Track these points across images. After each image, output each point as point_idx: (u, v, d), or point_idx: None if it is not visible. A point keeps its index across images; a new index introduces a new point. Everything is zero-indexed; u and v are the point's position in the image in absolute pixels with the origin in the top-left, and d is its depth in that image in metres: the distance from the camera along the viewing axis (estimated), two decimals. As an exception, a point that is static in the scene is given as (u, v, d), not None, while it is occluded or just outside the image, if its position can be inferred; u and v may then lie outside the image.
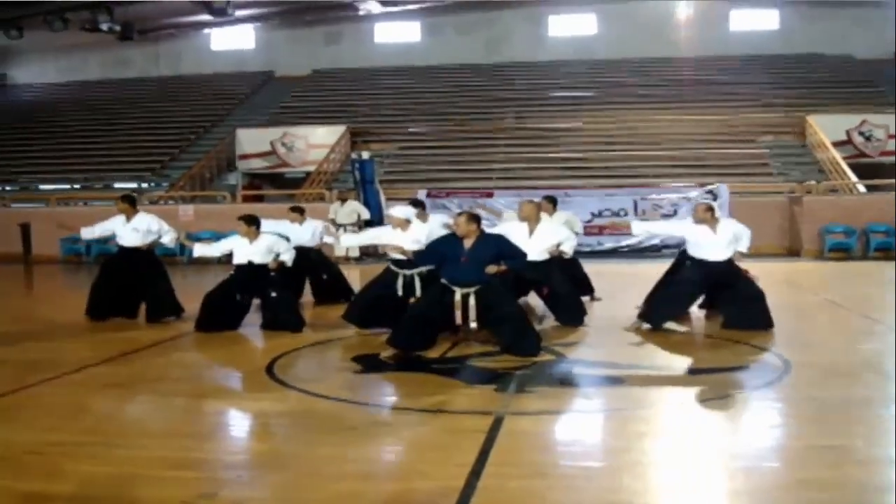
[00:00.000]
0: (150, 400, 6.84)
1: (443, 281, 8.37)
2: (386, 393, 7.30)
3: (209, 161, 28.73)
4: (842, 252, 20.24)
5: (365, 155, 22.22)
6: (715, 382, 7.22)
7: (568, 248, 10.53)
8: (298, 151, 28.82)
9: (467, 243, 8.34)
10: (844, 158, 24.19)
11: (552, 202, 12.04)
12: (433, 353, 8.31)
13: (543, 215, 10.89)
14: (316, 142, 28.63)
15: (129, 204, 11.25)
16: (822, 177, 23.61)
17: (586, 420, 6.27)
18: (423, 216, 11.41)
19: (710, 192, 20.61)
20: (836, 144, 25.06)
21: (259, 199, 27.34)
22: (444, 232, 9.99)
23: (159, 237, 11.30)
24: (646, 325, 9.76)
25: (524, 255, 8.75)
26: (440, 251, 8.53)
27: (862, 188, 22.40)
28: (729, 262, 9.82)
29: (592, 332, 9.96)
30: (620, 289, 13.25)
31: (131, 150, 29.88)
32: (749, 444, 5.49)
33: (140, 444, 5.49)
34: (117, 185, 27.41)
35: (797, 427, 5.90)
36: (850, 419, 5.97)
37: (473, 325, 8.46)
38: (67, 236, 22.24)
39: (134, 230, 11.08)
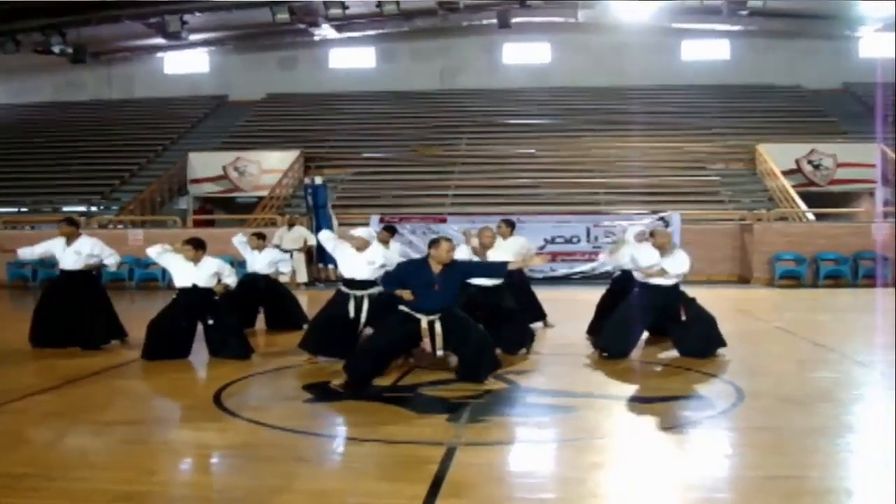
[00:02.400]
0: (92, 430, 6.63)
1: (403, 309, 8.22)
2: (336, 423, 7.14)
3: (160, 185, 28.42)
4: (792, 280, 20.42)
5: (318, 180, 22.03)
6: (668, 411, 7.19)
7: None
8: (251, 176, 28.60)
9: (436, 269, 8.20)
10: (794, 187, 24.48)
11: (510, 226, 11.98)
12: (385, 381, 8.20)
13: (498, 239, 10.84)
14: (269, 166, 28.44)
15: (72, 227, 11.02)
16: (772, 205, 23.88)
17: (540, 450, 6.17)
18: (385, 240, 11.37)
19: (661, 219, 20.70)
20: (786, 173, 25.38)
21: (210, 223, 27.07)
22: (400, 259, 9.94)
23: (101, 261, 11.06)
24: (604, 355, 9.71)
25: (496, 265, 8.78)
26: (408, 278, 8.34)
27: (811, 216, 22.67)
28: (676, 287, 9.82)
29: (545, 360, 9.91)
30: (573, 315, 13.18)
31: (81, 173, 29.52)
32: (704, 475, 5.43)
33: (81, 476, 5.32)
34: (66, 209, 26.99)
35: (752, 457, 5.85)
36: (804, 449, 5.95)
37: (440, 352, 8.30)
38: (13, 261, 21.85)
39: (76, 253, 10.84)
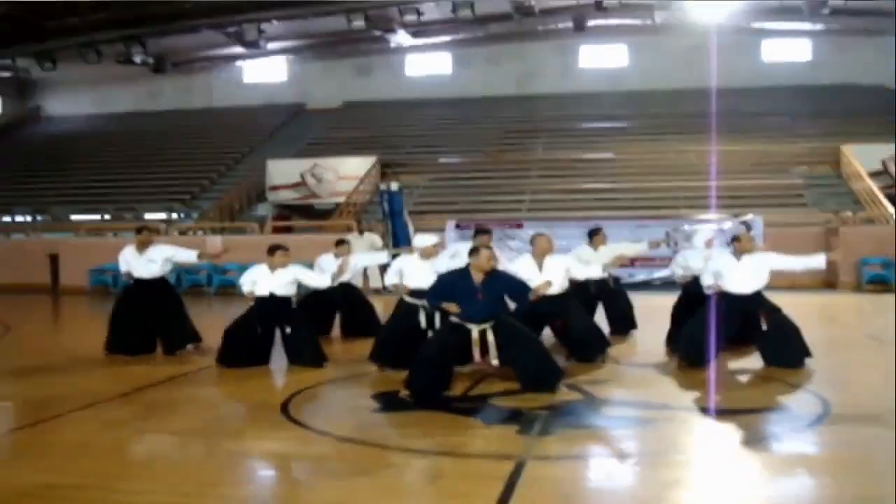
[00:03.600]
0: (155, 439, 6.59)
1: (454, 319, 8.04)
2: (402, 434, 6.89)
3: (239, 192, 28.73)
4: (880, 284, 19.71)
5: (394, 186, 21.98)
6: (750, 425, 6.86)
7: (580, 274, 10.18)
8: (328, 183, 28.71)
9: (478, 278, 8.05)
10: (880, 189, 23.68)
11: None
12: (455, 391, 8.02)
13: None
14: (346, 173, 28.52)
15: (140, 235, 11.09)
16: (857, 207, 23.12)
17: (613, 466, 5.90)
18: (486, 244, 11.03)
19: (744, 222, 20.15)
20: (872, 174, 24.56)
21: (288, 230, 27.19)
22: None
23: (173, 261, 11.08)
24: (683, 364, 9.40)
25: (528, 289, 8.45)
26: (451, 288, 8.17)
27: (900, 219, 21.89)
28: (759, 295, 9.44)
29: (622, 369, 9.62)
30: (652, 322, 12.82)
31: (162, 180, 29.99)
32: (787, 495, 5.15)
33: (138, 488, 5.25)
34: (147, 216, 27.47)
35: (838, 476, 5.51)
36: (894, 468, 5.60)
37: (495, 361, 8.09)
38: (95, 267, 22.25)
39: (149, 262, 10.90)
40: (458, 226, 20.54)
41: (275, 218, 28.55)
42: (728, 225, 20.38)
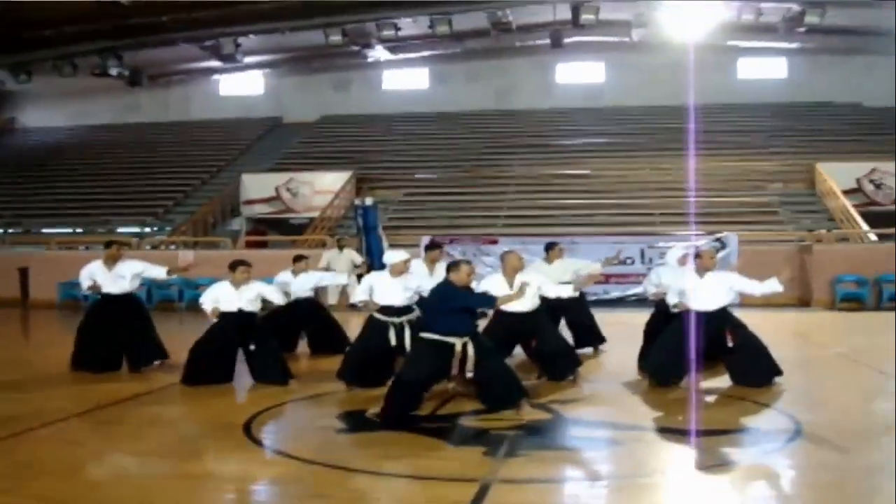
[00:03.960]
0: (113, 460, 6.42)
1: (432, 336, 7.92)
2: (366, 455, 6.69)
3: (213, 206, 28.51)
4: (854, 302, 19.76)
5: (368, 201, 21.85)
6: (721, 446, 6.77)
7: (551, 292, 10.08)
8: (303, 197, 28.55)
9: (461, 292, 8.01)
10: (855, 206, 23.77)
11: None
12: (423, 410, 7.89)
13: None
14: (321, 187, 28.36)
15: (109, 249, 10.95)
16: (832, 225, 23.19)
17: (579, 490, 5.79)
18: (435, 259, 10.93)
19: (718, 240, 20.18)
20: (847, 192, 24.66)
21: (262, 244, 27.03)
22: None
23: (142, 277, 10.95)
24: (653, 382, 9.32)
25: (492, 298, 8.66)
26: (447, 301, 8.05)
27: (874, 237, 21.95)
28: (724, 311, 9.36)
29: (593, 388, 9.52)
30: (624, 340, 12.72)
31: (136, 194, 29.71)
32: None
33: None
34: (120, 230, 27.23)
35: (810, 498, 5.44)
36: (867, 489, 5.52)
37: (470, 374, 7.95)
38: (65, 281, 22.00)
39: (119, 277, 10.75)
40: (431, 241, 20.39)
41: (249, 232, 28.36)
42: (702, 242, 20.38)
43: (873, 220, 23.37)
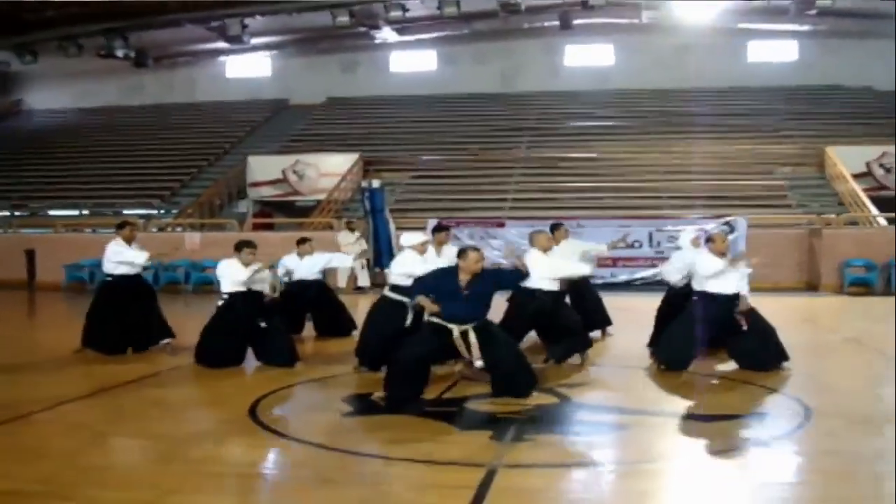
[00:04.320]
0: (117, 444, 6.39)
1: (433, 319, 7.87)
2: (372, 440, 6.69)
3: (219, 188, 28.45)
4: (862, 287, 19.63)
5: (375, 183, 21.77)
6: (728, 431, 6.72)
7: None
8: (309, 180, 28.45)
9: (464, 278, 7.86)
10: (864, 191, 23.61)
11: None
12: (429, 394, 7.84)
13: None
14: (328, 170, 28.26)
15: (128, 230, 10.89)
16: (841, 209, 23.04)
17: (585, 475, 5.73)
18: (443, 242, 10.80)
19: (727, 223, 20.06)
20: (856, 176, 24.47)
21: (269, 227, 26.95)
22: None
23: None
24: (662, 368, 9.26)
25: (518, 274, 8.54)
26: (435, 286, 8.00)
27: (883, 221, 21.78)
28: (737, 297, 9.29)
29: (601, 372, 9.47)
30: (632, 324, 12.68)
31: (142, 176, 29.66)
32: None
33: (97, 496, 5.05)
34: (126, 212, 27.17)
35: (819, 485, 5.36)
36: (876, 476, 5.45)
37: (479, 362, 7.83)
38: (71, 263, 22.00)
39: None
40: (438, 224, 20.33)
41: (255, 215, 28.29)
42: (711, 226, 20.28)
43: (883, 204, 23.20)
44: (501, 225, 21.50)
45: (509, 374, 7.79)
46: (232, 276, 9.66)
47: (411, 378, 7.68)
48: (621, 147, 28.74)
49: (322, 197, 26.62)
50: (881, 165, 25.54)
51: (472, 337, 7.78)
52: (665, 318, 10.40)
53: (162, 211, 27.66)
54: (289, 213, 28.96)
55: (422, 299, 7.87)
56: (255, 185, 28.83)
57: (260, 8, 30.35)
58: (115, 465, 5.86)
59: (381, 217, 20.96)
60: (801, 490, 5.34)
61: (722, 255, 9.26)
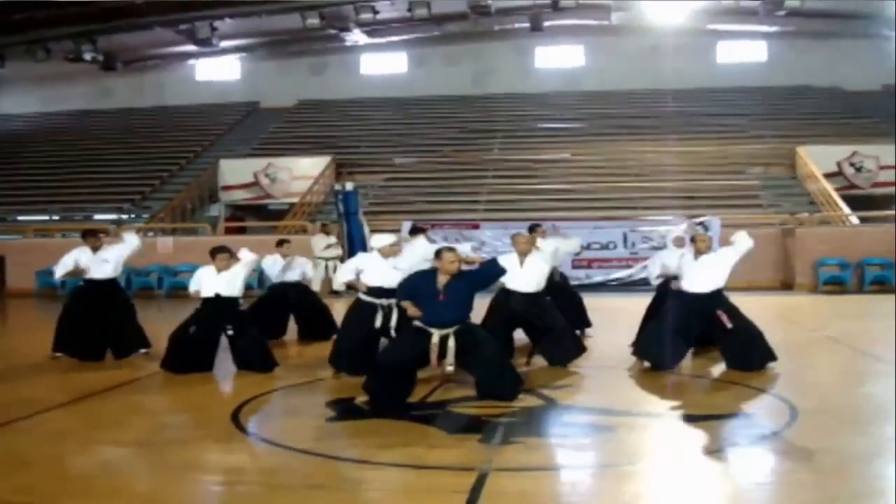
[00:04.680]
0: (99, 452, 6.24)
1: (417, 323, 7.80)
2: (358, 444, 6.52)
3: (191, 192, 28.22)
4: (836, 286, 19.78)
5: (349, 186, 21.64)
6: (717, 431, 6.68)
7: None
8: (282, 183, 28.30)
9: (442, 280, 7.78)
10: (836, 190, 23.80)
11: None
12: (413, 397, 7.76)
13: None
14: (300, 173, 28.13)
15: (94, 237, 10.74)
16: (813, 209, 23.20)
17: (576, 477, 5.67)
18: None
19: (701, 223, 20.09)
20: (827, 176, 24.68)
21: (241, 230, 26.77)
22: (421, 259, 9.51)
23: (129, 252, 10.76)
24: (646, 366, 9.24)
25: (495, 265, 8.33)
26: (415, 289, 7.93)
27: (855, 220, 21.98)
28: (719, 294, 9.29)
29: (584, 373, 9.41)
30: (610, 324, 12.71)
31: (112, 181, 29.38)
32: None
33: (78, 505, 4.93)
34: (97, 217, 26.89)
35: (809, 484, 5.32)
36: (865, 474, 5.44)
37: (450, 367, 7.77)
38: (43, 269, 21.70)
39: (103, 262, 10.56)
40: (413, 227, 20.26)
41: (227, 218, 28.10)
42: (684, 226, 20.31)
43: (854, 203, 23.44)
44: (476, 227, 21.46)
45: (494, 376, 7.72)
46: (205, 281, 9.54)
47: (395, 382, 7.59)
48: (594, 148, 28.80)
49: (295, 200, 26.50)
50: (851, 164, 25.77)
51: (451, 342, 7.70)
52: (653, 316, 10.40)
53: (133, 216, 27.38)
54: (261, 216, 28.80)
55: (406, 304, 7.81)
56: (227, 188, 28.64)
57: (229, 10, 30.16)
58: (96, 473, 5.71)
59: (354, 220, 20.82)
60: (792, 489, 5.29)
61: (702, 254, 9.32)
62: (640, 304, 11.65)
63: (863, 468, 5.62)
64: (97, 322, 10.41)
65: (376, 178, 28.21)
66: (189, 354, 9.36)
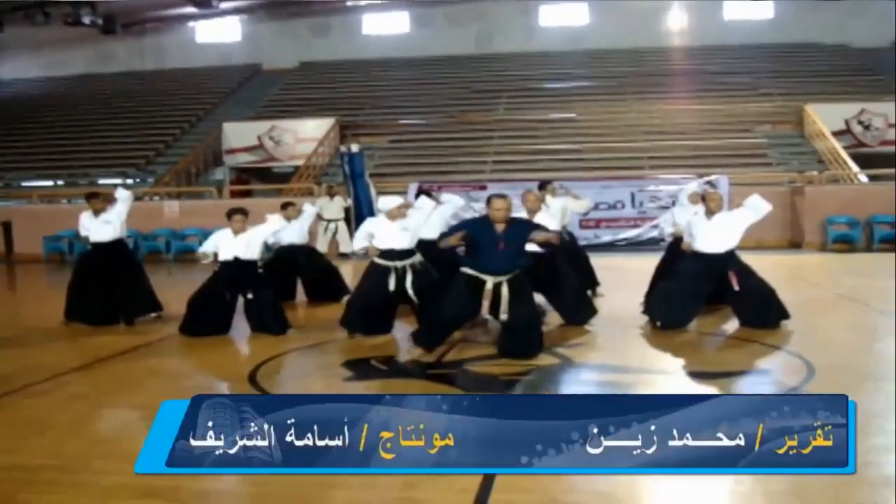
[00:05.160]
0: (119, 414, 6.26)
1: (468, 270, 7.70)
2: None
3: (195, 156, 28.12)
4: (845, 244, 19.71)
5: (354, 148, 21.56)
6: (734, 388, 6.69)
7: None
8: (286, 145, 28.20)
9: (500, 228, 7.64)
10: (844, 148, 23.66)
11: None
12: (430, 357, 7.76)
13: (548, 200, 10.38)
14: (304, 135, 28.02)
15: (95, 199, 10.62)
16: (821, 167, 23.09)
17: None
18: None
19: (708, 182, 20.06)
20: (835, 134, 24.52)
21: (247, 194, 26.70)
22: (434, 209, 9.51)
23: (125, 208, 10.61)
24: (657, 325, 9.23)
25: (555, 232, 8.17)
26: (474, 234, 7.75)
27: (864, 178, 21.88)
28: (732, 254, 9.28)
29: (597, 332, 9.38)
30: (620, 284, 12.66)
31: (116, 145, 29.28)
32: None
33: (103, 468, 4.91)
34: (102, 182, 26.82)
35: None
36: (890, 428, 5.41)
37: (504, 315, 7.68)
38: (50, 234, 21.71)
39: (105, 223, 10.45)
40: (419, 189, 20.21)
41: (233, 182, 28.03)
42: (694, 185, 20.25)
43: (862, 161, 23.29)
44: (483, 188, 21.36)
45: (522, 332, 7.68)
46: (221, 245, 9.50)
47: (446, 329, 7.63)
48: (599, 107, 28.64)
49: (300, 163, 26.41)
50: (860, 122, 25.62)
51: (504, 290, 7.62)
52: (664, 275, 10.35)
53: (138, 180, 27.32)
54: (266, 179, 28.73)
55: (450, 241, 7.76)
56: (232, 151, 28.54)
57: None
58: (118, 436, 5.70)
59: (361, 182, 20.78)
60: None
61: (714, 213, 9.28)
62: (648, 263, 11.62)
63: (882, 423, 5.60)
64: (106, 286, 10.35)
65: (381, 139, 28.08)
66: (208, 318, 9.36)
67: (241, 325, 9.51)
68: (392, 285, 8.90)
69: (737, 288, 9.12)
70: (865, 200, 20.02)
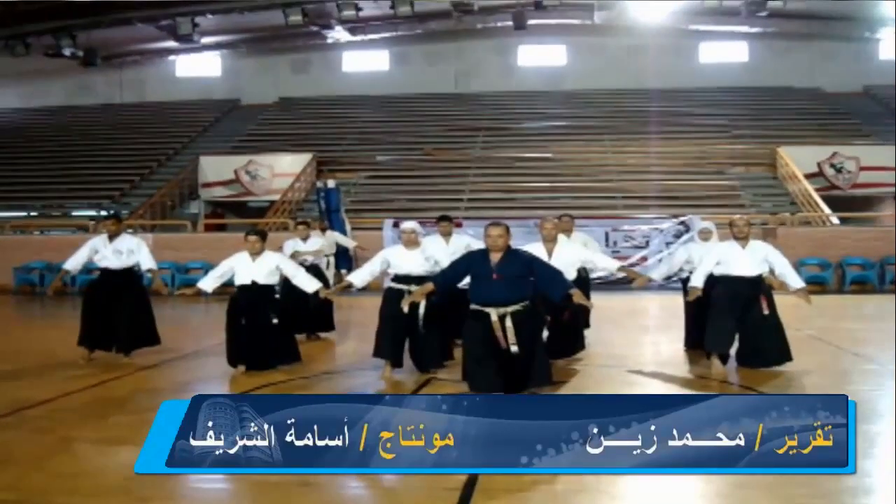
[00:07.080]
0: (85, 449, 6.15)
1: (473, 306, 7.54)
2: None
3: (171, 189, 28.08)
4: (817, 285, 19.84)
5: (330, 183, 21.65)
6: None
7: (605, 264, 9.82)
8: (262, 180, 28.21)
9: (495, 258, 7.42)
10: (816, 190, 23.94)
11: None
12: (405, 388, 7.74)
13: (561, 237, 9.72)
14: (281, 170, 28.06)
15: (115, 223, 10.43)
16: (794, 209, 23.32)
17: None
18: (447, 232, 10.81)
19: (682, 223, 20.22)
20: (808, 176, 24.85)
21: (222, 227, 26.67)
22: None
23: (138, 262, 10.36)
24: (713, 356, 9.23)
25: (565, 282, 7.66)
26: (466, 268, 7.64)
27: (836, 220, 22.11)
28: (761, 279, 9.36)
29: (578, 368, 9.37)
30: (595, 321, 12.65)
31: (92, 177, 29.21)
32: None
33: (64, 502, 4.84)
34: (75, 213, 26.69)
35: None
36: (864, 471, 5.41)
37: (514, 348, 7.32)
38: (21, 265, 21.53)
39: (116, 252, 10.19)
40: (395, 224, 20.26)
41: (208, 216, 27.99)
42: (665, 225, 20.45)
43: (834, 203, 23.58)
44: (459, 225, 21.34)
45: (524, 364, 7.40)
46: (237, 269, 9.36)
47: (488, 367, 7.34)
48: (576, 147, 28.88)
49: (276, 198, 26.41)
50: (832, 165, 25.92)
51: (509, 321, 7.33)
52: (696, 317, 10.08)
53: (112, 212, 27.14)
54: (242, 213, 28.68)
55: (416, 290, 7.81)
56: (208, 185, 28.53)
57: (211, 6, 30.01)
58: (84, 471, 5.63)
59: (336, 217, 20.83)
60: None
61: (743, 238, 9.43)
62: (622, 302, 11.63)
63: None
64: (106, 313, 10.08)
65: (358, 175, 28.13)
66: (244, 344, 9.18)
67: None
68: (406, 308, 8.55)
69: (766, 311, 9.15)
70: (838, 242, 20.24)
